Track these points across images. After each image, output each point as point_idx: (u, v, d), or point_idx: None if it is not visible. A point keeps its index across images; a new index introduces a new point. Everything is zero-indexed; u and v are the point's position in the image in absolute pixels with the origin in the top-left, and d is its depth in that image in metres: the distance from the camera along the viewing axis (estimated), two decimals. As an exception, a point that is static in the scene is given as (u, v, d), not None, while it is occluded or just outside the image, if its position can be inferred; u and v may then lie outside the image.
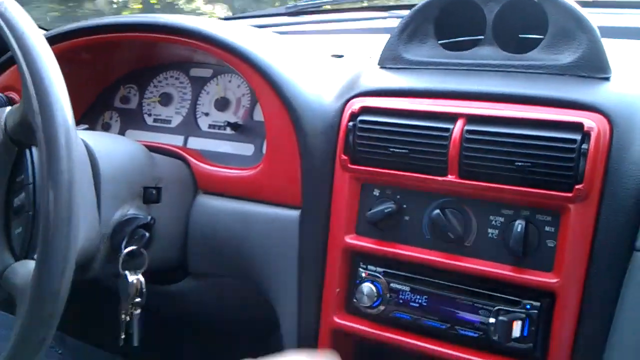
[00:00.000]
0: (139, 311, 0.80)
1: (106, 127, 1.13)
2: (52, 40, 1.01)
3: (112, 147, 0.83)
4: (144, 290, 0.80)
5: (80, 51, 1.04)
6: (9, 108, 0.66)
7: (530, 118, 0.72)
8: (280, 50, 0.94)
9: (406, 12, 1.06)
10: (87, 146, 0.79)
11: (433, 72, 0.85)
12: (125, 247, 0.79)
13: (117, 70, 1.13)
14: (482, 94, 0.76)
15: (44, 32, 1.05)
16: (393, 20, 1.13)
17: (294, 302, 0.84)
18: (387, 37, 0.94)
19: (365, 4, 1.25)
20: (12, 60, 1.03)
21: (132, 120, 1.11)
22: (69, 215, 0.56)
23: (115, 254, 0.79)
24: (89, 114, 1.14)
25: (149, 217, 0.82)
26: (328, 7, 1.29)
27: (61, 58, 1.01)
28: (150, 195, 0.84)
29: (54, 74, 0.59)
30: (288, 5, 1.33)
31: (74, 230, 0.56)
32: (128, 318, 0.80)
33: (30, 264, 0.62)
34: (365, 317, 0.80)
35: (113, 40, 1.02)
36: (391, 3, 1.22)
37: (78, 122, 1.11)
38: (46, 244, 0.55)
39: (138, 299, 0.80)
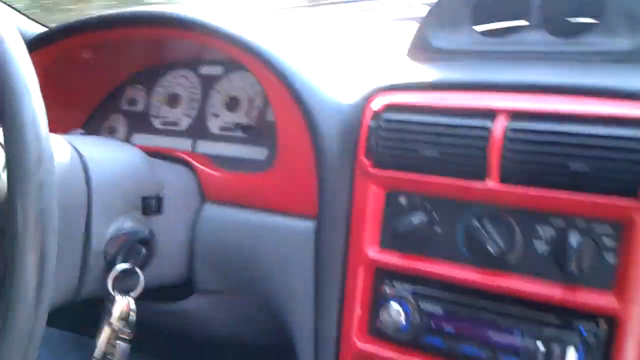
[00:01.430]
0: (124, 345, 0.71)
1: (112, 132, 1.05)
2: (51, 38, 0.95)
3: (105, 153, 0.75)
4: (133, 317, 0.70)
5: (83, 49, 0.97)
6: None
7: (587, 113, 0.61)
8: (293, 44, 0.85)
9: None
10: (77, 152, 0.70)
11: (469, 61, 0.75)
12: (119, 265, 0.70)
13: (123, 71, 1.06)
14: (527, 85, 0.66)
15: (45, 29, 0.98)
16: (423, 8, 1.03)
17: (310, 323, 0.75)
18: (414, 25, 0.84)
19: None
20: None
21: (139, 124, 1.03)
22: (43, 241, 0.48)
23: (107, 273, 0.70)
24: (94, 117, 1.07)
25: (147, 231, 0.74)
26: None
27: (63, 57, 0.94)
28: (149, 205, 0.76)
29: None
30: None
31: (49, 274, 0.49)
32: (107, 347, 0.70)
33: None
34: (391, 342, 0.70)
35: (118, 37, 0.94)
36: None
37: (83, 127, 1.05)
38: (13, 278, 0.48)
39: (125, 329, 0.70)
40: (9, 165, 0.51)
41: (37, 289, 0.50)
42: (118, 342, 0.70)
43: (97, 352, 0.70)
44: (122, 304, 0.69)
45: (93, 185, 0.69)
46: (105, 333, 0.70)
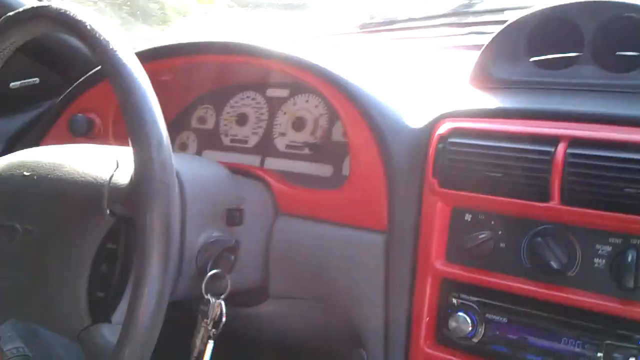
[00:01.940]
0: (212, 344, 0.78)
1: (183, 148, 1.13)
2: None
3: (196, 169, 0.82)
4: (224, 318, 0.78)
5: (161, 72, 1.05)
6: (114, 171, 0.67)
7: (638, 141, 0.67)
8: (360, 70, 0.92)
9: (487, 28, 1.04)
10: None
11: (527, 92, 0.81)
12: (210, 270, 0.78)
13: (194, 91, 1.13)
14: (585, 115, 0.72)
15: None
16: (474, 37, 1.10)
17: (380, 329, 0.81)
18: (467, 54, 0.91)
19: (441, 21, 1.22)
20: (95, 79, 1.05)
21: (209, 141, 1.11)
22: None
23: (199, 277, 0.77)
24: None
25: (233, 240, 0.81)
26: (402, 24, 1.27)
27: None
28: (233, 217, 0.83)
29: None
30: (362, 24, 1.32)
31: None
32: (202, 346, 0.78)
33: (106, 328, 0.64)
34: (458, 348, 0.76)
35: (194, 62, 1.02)
36: (470, 20, 1.18)
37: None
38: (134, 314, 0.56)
39: (213, 330, 0.78)
40: (139, 183, 0.59)
41: (160, 292, 0.57)
42: (210, 342, 0.77)
43: (195, 350, 0.77)
44: (216, 306, 0.77)
45: (187, 199, 0.77)
46: (201, 333, 0.77)
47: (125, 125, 0.61)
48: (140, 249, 0.57)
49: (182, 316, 0.83)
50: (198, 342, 0.81)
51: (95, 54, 0.65)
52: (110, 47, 0.63)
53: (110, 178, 0.66)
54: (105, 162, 0.69)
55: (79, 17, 0.65)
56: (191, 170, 0.81)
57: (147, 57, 1.00)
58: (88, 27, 0.65)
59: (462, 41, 1.12)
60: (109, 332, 0.64)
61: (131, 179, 0.62)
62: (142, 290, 0.56)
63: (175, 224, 0.58)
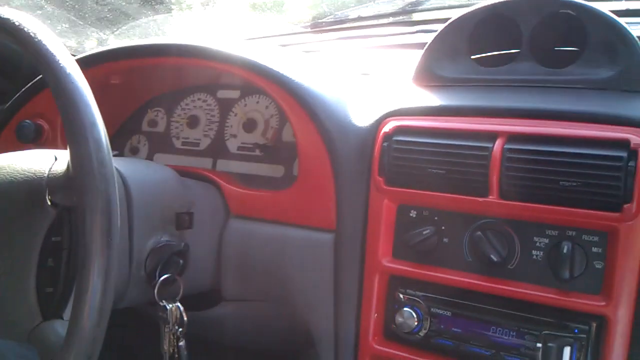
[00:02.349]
0: (183, 342, 0.79)
1: (134, 151, 1.12)
2: (84, 64, 1.01)
3: (144, 173, 0.82)
4: (185, 318, 0.78)
5: (111, 75, 1.04)
6: (52, 164, 0.67)
7: (573, 135, 0.69)
8: (308, 70, 0.93)
9: (434, 26, 1.05)
10: (118, 172, 0.78)
11: (468, 89, 0.83)
12: (160, 275, 0.78)
13: (144, 94, 1.13)
14: (521, 110, 0.74)
15: (75, 57, 1.05)
16: (421, 35, 1.11)
17: (330, 328, 0.82)
18: (415, 52, 0.92)
19: (390, 20, 1.23)
20: (42, 85, 1.03)
21: (160, 144, 1.10)
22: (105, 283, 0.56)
23: (149, 282, 0.77)
24: (116, 138, 1.14)
25: (182, 244, 0.81)
26: (352, 23, 1.27)
27: (92, 82, 1.01)
28: (183, 221, 0.83)
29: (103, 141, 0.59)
30: (312, 22, 1.32)
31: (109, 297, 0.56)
32: (172, 349, 0.78)
33: (58, 324, 0.63)
34: (405, 344, 0.77)
35: (144, 65, 1.01)
36: (418, 18, 1.20)
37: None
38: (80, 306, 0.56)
39: (180, 329, 0.78)
40: (77, 172, 0.58)
41: (102, 295, 0.57)
42: (181, 343, 0.77)
43: (165, 356, 0.78)
44: (174, 310, 0.77)
45: (134, 203, 0.77)
46: (167, 338, 0.78)
47: (63, 125, 0.60)
48: (82, 238, 0.56)
49: (149, 323, 0.83)
50: (166, 347, 0.81)
51: (32, 57, 0.64)
52: (46, 48, 0.63)
53: (49, 170, 0.65)
54: (44, 159, 0.68)
55: (17, 21, 0.65)
56: (138, 174, 0.81)
57: (96, 60, 1.00)
58: (24, 29, 0.64)
59: (411, 39, 1.13)
60: (62, 329, 0.63)
61: (68, 167, 0.62)
62: (86, 284, 0.56)
63: (116, 214, 0.57)
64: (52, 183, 0.64)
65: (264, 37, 1.37)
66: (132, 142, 1.13)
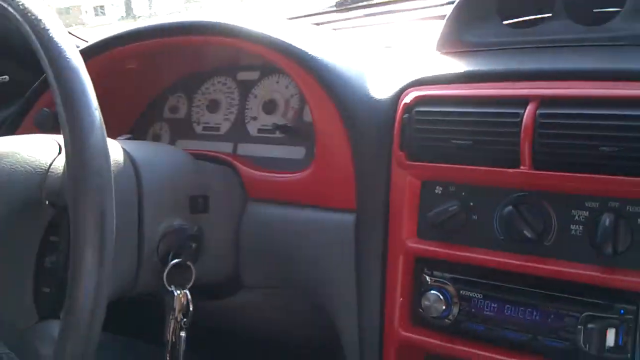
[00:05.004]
0: (184, 334, 0.75)
1: (156, 139, 1.10)
2: (96, 50, 1.00)
3: (154, 156, 0.79)
4: (191, 308, 0.75)
5: (126, 60, 1.01)
6: (54, 158, 0.65)
7: (613, 95, 0.62)
8: (327, 46, 0.88)
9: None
10: (129, 155, 0.75)
11: (498, 53, 0.76)
12: (172, 260, 0.74)
13: (164, 79, 1.10)
14: (556, 72, 0.67)
15: (86, 43, 1.03)
16: (448, 8, 1.05)
17: (354, 314, 0.77)
18: (440, 24, 0.86)
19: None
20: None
21: (181, 130, 1.08)
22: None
23: (161, 268, 0.74)
24: (138, 125, 1.12)
25: (195, 228, 0.78)
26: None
27: (107, 68, 0.99)
28: (196, 204, 0.79)
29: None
30: (338, 1, 1.28)
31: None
32: (173, 339, 0.75)
33: (54, 325, 0.62)
34: (433, 329, 0.72)
35: (159, 47, 0.98)
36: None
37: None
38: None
39: (184, 319, 0.75)
40: (70, 168, 0.55)
41: (96, 287, 0.54)
42: (182, 333, 0.74)
43: (168, 344, 0.75)
44: (181, 297, 0.74)
45: (144, 187, 0.73)
46: (171, 326, 0.75)
47: (56, 108, 0.58)
48: (73, 240, 0.54)
49: (156, 309, 0.81)
50: (169, 335, 0.78)
51: (32, 39, 0.62)
52: (42, 26, 0.60)
53: (49, 167, 0.63)
54: (48, 149, 0.66)
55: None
56: (149, 157, 0.78)
57: (109, 45, 0.98)
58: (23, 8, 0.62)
59: (436, 12, 1.07)
60: (58, 328, 0.61)
61: (64, 166, 0.59)
62: (78, 285, 0.53)
63: (111, 213, 0.55)
64: (49, 183, 0.63)
65: (301, 17, 1.33)
66: (154, 130, 1.11)
